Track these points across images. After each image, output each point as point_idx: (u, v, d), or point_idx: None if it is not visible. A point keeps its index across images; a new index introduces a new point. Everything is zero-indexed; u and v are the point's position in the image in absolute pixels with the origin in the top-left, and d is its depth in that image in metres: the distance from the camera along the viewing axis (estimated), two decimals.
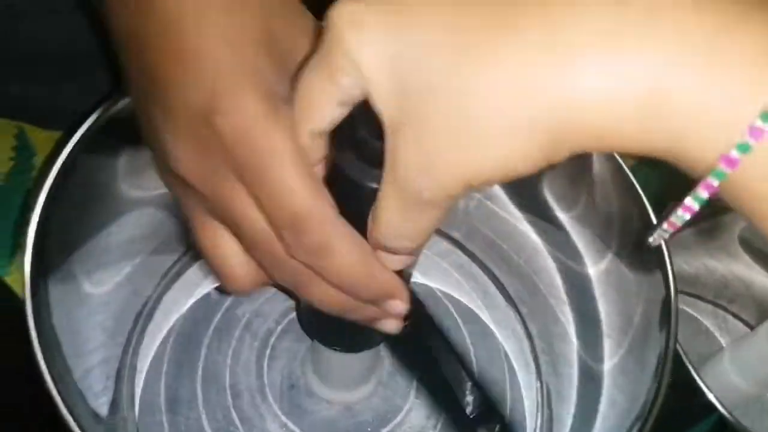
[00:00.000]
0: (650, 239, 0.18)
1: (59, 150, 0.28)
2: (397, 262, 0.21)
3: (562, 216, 0.40)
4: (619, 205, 0.37)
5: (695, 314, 0.47)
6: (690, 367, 0.33)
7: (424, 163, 0.17)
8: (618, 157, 0.35)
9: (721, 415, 0.34)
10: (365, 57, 0.16)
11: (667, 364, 0.28)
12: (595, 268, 0.38)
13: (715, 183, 0.15)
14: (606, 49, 0.14)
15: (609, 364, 0.36)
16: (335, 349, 0.31)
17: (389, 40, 0.16)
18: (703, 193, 0.15)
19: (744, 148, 0.14)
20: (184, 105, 0.20)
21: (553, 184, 0.40)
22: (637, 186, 0.33)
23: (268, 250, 0.20)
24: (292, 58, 0.21)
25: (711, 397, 0.33)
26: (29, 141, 0.53)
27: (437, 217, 0.19)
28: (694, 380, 0.33)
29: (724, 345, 0.39)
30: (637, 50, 0.14)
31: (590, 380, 0.37)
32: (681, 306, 0.47)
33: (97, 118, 0.30)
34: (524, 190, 0.41)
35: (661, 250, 0.30)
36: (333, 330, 0.29)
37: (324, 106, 0.19)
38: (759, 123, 0.14)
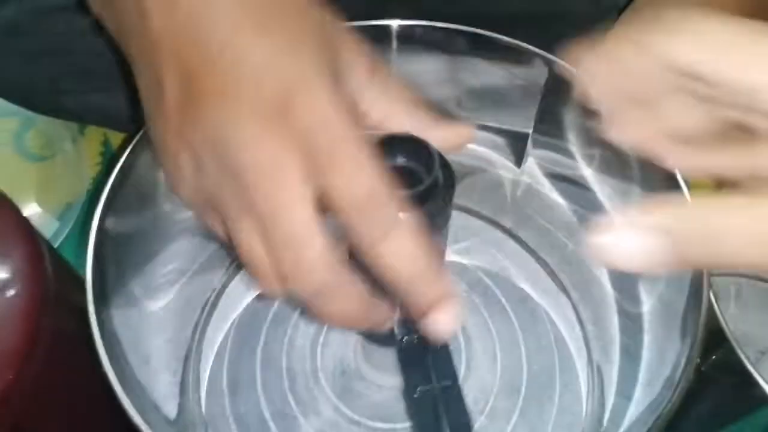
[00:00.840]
0: None
1: (116, 159, 0.31)
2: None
3: (607, 203, 0.39)
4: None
5: None
6: (742, 357, 0.32)
7: None
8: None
9: None
10: None
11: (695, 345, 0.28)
12: None
13: None
14: None
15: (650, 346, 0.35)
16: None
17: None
18: None
19: None
20: (256, 102, 0.21)
21: (604, 178, 0.39)
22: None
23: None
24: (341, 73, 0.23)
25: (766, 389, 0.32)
26: (112, 147, 0.58)
27: None
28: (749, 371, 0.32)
29: None
30: None
31: (632, 368, 0.36)
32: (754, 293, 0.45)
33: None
34: (573, 185, 0.41)
35: None
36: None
37: None
38: None
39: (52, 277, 0.28)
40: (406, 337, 0.31)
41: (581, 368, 0.39)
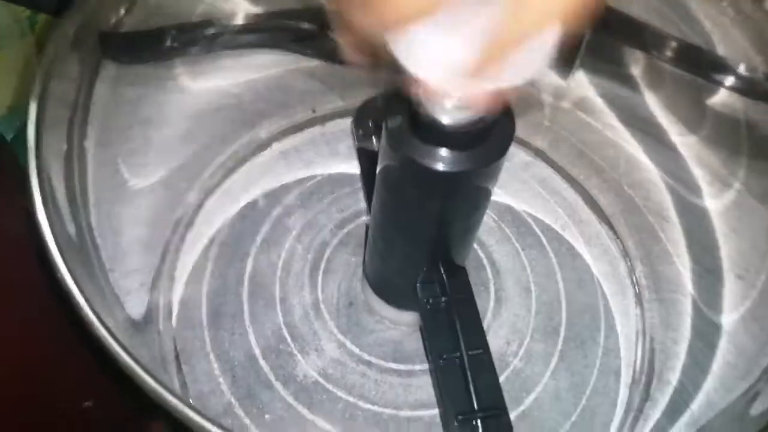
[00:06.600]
0: None
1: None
2: None
3: (677, 139, 0.34)
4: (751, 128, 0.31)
5: None
6: None
7: None
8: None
9: None
10: None
11: None
12: (716, 200, 0.32)
13: None
14: None
15: (736, 307, 0.30)
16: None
17: None
18: None
19: None
20: None
21: (671, 105, 0.34)
22: None
23: None
24: None
25: None
26: None
27: None
28: None
29: None
30: None
31: (706, 318, 0.31)
32: None
33: None
34: (631, 107, 0.35)
35: None
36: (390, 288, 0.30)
37: None
38: None
39: None
40: (431, 300, 0.27)
41: (628, 307, 0.33)
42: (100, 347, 0.18)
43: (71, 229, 0.23)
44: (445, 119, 0.20)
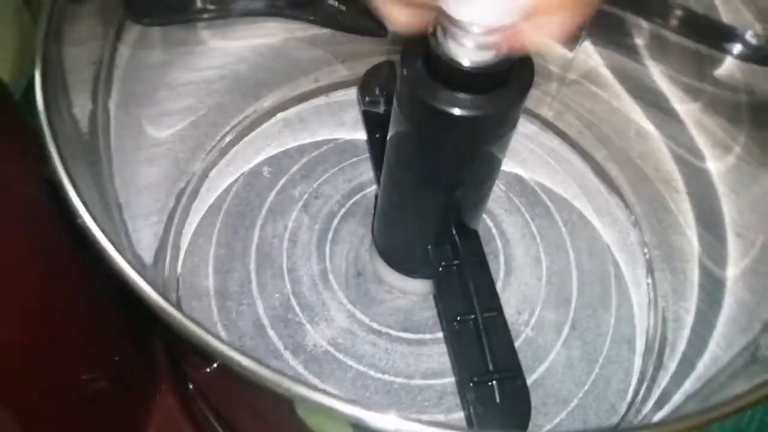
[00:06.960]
0: None
1: None
2: None
3: (679, 107, 0.33)
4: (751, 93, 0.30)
5: None
6: None
7: None
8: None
9: None
10: None
11: None
12: (718, 163, 0.32)
13: None
14: None
15: (737, 264, 0.30)
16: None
17: None
18: None
19: None
20: None
21: (673, 74, 0.33)
22: None
23: None
24: None
25: None
26: None
27: None
28: None
29: None
30: None
31: (713, 279, 0.31)
32: None
33: None
34: (637, 77, 0.35)
35: None
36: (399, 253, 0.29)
37: None
38: None
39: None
40: (444, 263, 0.27)
41: (639, 277, 0.33)
42: (128, 290, 0.18)
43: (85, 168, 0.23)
44: (465, 61, 0.20)
